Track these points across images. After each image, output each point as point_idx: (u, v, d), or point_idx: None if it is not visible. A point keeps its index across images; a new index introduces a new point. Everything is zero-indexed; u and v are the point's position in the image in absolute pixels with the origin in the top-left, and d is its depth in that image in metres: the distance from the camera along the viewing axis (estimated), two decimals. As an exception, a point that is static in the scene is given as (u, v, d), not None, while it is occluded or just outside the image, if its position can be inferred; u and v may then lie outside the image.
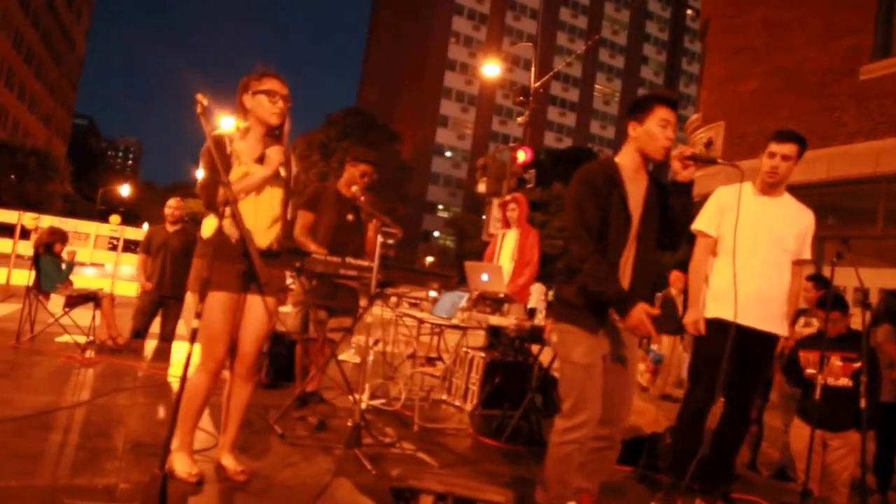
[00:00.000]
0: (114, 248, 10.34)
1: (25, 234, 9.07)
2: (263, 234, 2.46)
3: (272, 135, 2.51)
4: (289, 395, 3.73)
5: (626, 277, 2.23)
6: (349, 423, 3.00)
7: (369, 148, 40.11)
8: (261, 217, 2.45)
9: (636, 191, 2.25)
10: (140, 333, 5.45)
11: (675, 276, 7.29)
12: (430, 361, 5.23)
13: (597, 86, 64.80)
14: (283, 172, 2.50)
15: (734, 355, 2.93)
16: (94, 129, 76.22)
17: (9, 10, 36.54)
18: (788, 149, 2.82)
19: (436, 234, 54.41)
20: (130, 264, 9.11)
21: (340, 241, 3.83)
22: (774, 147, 2.84)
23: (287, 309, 3.97)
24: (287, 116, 2.51)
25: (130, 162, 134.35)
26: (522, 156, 11.04)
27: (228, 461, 2.52)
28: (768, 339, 2.87)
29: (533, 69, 14.58)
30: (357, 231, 3.98)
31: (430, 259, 45.32)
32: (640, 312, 2.06)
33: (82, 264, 9.25)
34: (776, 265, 2.85)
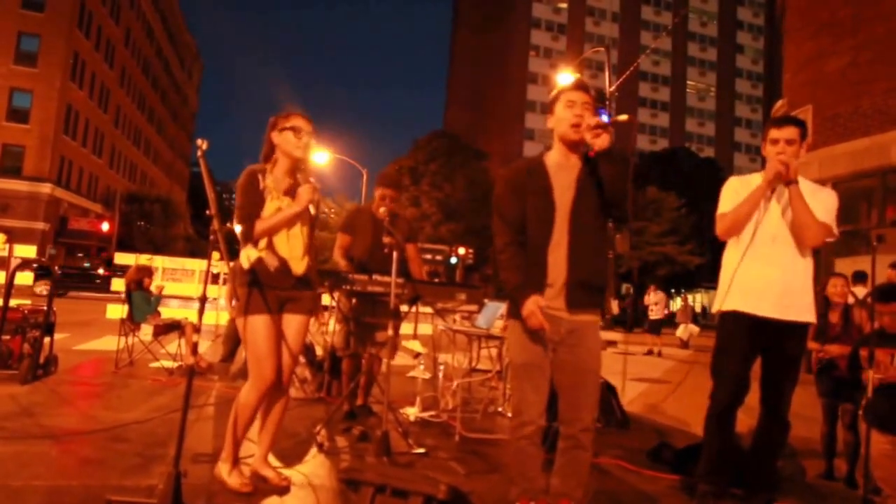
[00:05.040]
0: (216, 281, 11.42)
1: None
2: (298, 262, 2.69)
3: (298, 168, 2.77)
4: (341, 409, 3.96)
5: (560, 263, 2.21)
6: (396, 434, 3.12)
7: (454, 169, 40.30)
8: (294, 247, 2.68)
9: (565, 177, 2.27)
10: (228, 357, 5.97)
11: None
12: (481, 373, 5.30)
13: (689, 82, 61.80)
14: (312, 210, 2.72)
15: (760, 350, 2.80)
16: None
17: (133, 75, 41.53)
18: (790, 132, 2.70)
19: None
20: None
21: (378, 261, 4.03)
22: (775, 133, 2.72)
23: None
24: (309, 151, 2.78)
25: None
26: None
27: (269, 472, 2.72)
28: (793, 329, 2.70)
29: (607, 72, 14.33)
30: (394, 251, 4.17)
31: None
32: (531, 304, 2.12)
33: (189, 298, 10.38)
34: (793, 251, 2.69)
